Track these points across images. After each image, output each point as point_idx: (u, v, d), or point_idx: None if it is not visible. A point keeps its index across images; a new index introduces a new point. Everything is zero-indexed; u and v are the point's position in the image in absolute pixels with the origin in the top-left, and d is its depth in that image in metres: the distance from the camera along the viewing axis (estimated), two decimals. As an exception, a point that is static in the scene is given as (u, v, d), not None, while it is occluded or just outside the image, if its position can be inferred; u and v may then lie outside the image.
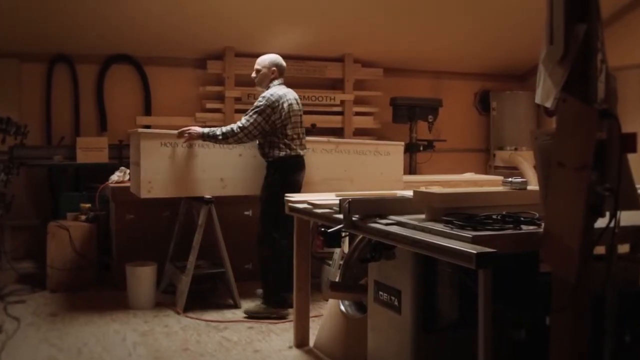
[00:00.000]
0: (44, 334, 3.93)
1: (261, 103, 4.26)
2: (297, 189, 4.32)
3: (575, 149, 2.06)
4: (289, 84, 6.58)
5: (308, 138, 5.17)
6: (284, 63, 4.50)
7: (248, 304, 4.45)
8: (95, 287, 4.99)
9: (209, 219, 4.51)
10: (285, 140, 4.29)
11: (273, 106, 4.24)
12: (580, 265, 2.03)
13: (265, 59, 4.46)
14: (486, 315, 2.00)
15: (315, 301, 4.48)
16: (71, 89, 6.05)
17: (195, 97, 6.45)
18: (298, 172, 4.40)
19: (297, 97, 4.46)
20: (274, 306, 4.27)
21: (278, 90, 4.33)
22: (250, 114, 4.25)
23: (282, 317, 4.22)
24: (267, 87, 4.39)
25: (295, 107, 4.39)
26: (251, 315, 4.27)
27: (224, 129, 4.27)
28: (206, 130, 4.31)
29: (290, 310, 4.18)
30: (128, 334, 3.96)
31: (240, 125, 4.23)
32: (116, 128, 6.10)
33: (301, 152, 4.40)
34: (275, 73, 4.43)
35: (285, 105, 4.28)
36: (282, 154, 4.29)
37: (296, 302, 3.63)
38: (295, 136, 4.35)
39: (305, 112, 6.54)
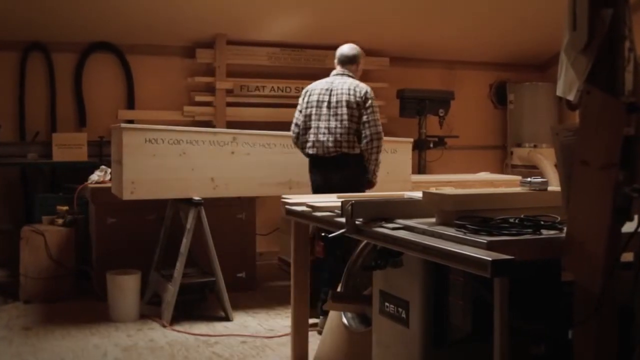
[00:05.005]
0: (17, 349, 3.93)
1: None
2: (316, 192, 4.27)
3: (600, 146, 2.06)
4: (285, 74, 6.65)
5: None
6: (340, 50, 4.57)
7: (242, 318, 4.45)
8: (73, 298, 4.99)
9: (198, 222, 4.52)
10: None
11: (301, 97, 4.52)
12: (605, 273, 2.03)
13: None
14: (502, 328, 2.00)
15: (315, 313, 4.48)
16: (47, 80, 6.05)
17: (183, 88, 6.45)
18: (311, 173, 4.43)
19: (325, 87, 4.40)
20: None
21: (315, 82, 4.53)
22: None
23: None
24: None
25: (318, 97, 4.38)
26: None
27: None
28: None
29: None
30: (109, 349, 3.96)
31: None
32: (96, 123, 6.10)
33: (309, 151, 4.39)
34: (335, 63, 4.56)
35: (306, 96, 4.46)
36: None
37: (294, 313, 3.63)
38: (304, 132, 4.41)
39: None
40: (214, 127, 6.12)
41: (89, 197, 5.16)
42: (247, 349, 3.99)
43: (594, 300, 2.04)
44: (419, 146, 6.67)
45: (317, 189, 4.35)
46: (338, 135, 4.27)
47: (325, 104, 4.33)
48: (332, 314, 3.54)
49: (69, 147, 5.70)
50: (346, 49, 4.52)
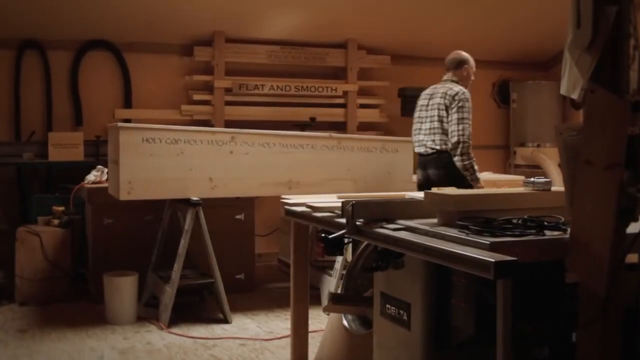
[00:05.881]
0: (12, 352, 3.93)
1: None
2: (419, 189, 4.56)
3: (604, 146, 2.06)
4: (284, 72, 6.65)
5: (305, 133, 5.18)
6: (447, 57, 4.86)
7: (241, 320, 4.45)
8: (69, 300, 4.99)
9: (196, 223, 4.51)
10: None
11: None
12: (610, 275, 2.03)
13: None
14: (505, 331, 2.00)
15: (314, 315, 4.49)
16: (42, 78, 6.05)
17: (180, 87, 6.45)
18: (417, 170, 4.80)
19: (428, 92, 4.79)
20: None
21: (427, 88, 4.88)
22: None
23: None
24: None
25: (421, 101, 4.80)
26: None
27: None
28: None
29: None
30: (106, 352, 3.96)
31: None
32: (93, 122, 6.10)
33: (415, 150, 4.82)
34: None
35: (417, 100, 4.88)
36: None
37: (293, 315, 3.63)
38: (414, 133, 4.81)
39: (304, 104, 6.63)
40: (212, 126, 6.11)
41: (86, 198, 5.16)
42: (246, 352, 3.99)
43: (599, 302, 2.04)
44: (421, 146, 6.66)
45: (419, 187, 4.72)
46: (431, 135, 4.67)
47: (424, 107, 4.75)
48: (333, 316, 3.55)
49: (65, 147, 5.71)
50: (451, 55, 4.85)
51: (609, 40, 2.08)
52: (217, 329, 4.42)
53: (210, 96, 6.41)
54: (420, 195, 2.88)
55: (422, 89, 6.70)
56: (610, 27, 2.08)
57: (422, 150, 4.75)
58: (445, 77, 4.77)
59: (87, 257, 5.18)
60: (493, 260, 1.98)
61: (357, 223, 2.71)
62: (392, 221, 2.66)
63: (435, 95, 4.68)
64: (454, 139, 4.50)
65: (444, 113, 4.58)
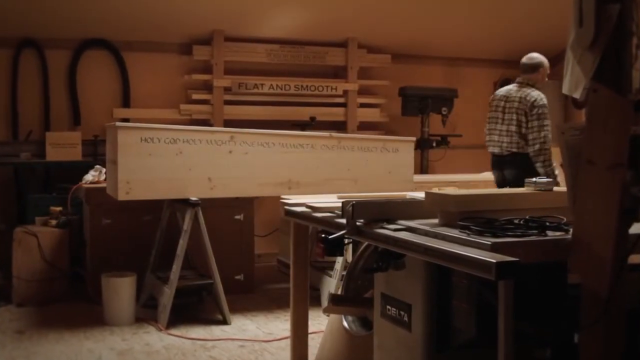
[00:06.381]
0: (9, 353, 3.93)
1: None
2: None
3: (607, 145, 2.06)
4: (284, 71, 6.65)
5: (305, 133, 5.18)
6: (522, 59, 5.01)
7: (240, 321, 4.45)
8: (67, 301, 4.99)
9: (195, 223, 4.51)
10: None
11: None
12: (613, 275, 2.03)
13: None
14: (507, 332, 2.00)
15: (314, 316, 4.49)
16: (40, 77, 6.05)
17: (179, 86, 6.45)
18: (492, 170, 5.05)
19: (504, 93, 4.96)
20: None
21: (501, 88, 5.11)
22: None
23: None
24: None
25: (496, 102, 4.97)
26: None
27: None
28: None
29: None
30: (104, 354, 3.96)
31: None
32: (91, 122, 6.10)
33: (489, 149, 5.03)
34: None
35: (491, 101, 5.07)
36: None
37: (293, 316, 3.63)
38: (489, 132, 5.02)
39: (304, 104, 6.63)
40: (211, 125, 6.12)
41: (83, 198, 5.16)
42: (246, 353, 3.99)
43: (601, 303, 2.04)
44: (422, 145, 6.66)
45: (497, 185, 4.95)
46: (507, 137, 4.85)
47: (500, 108, 4.92)
48: (333, 317, 3.54)
49: (62, 146, 5.71)
50: (525, 59, 5.01)
51: (612, 39, 2.08)
52: (216, 330, 4.42)
53: (210, 95, 6.41)
54: (421, 195, 2.88)
55: (423, 88, 6.78)
56: (613, 26, 2.08)
57: (496, 150, 4.94)
58: (519, 80, 4.93)
59: (85, 258, 5.18)
60: (494, 261, 1.97)
61: (358, 223, 2.71)
62: (392, 221, 2.66)
63: (512, 98, 4.85)
64: (537, 147, 4.71)
65: (523, 118, 4.77)
